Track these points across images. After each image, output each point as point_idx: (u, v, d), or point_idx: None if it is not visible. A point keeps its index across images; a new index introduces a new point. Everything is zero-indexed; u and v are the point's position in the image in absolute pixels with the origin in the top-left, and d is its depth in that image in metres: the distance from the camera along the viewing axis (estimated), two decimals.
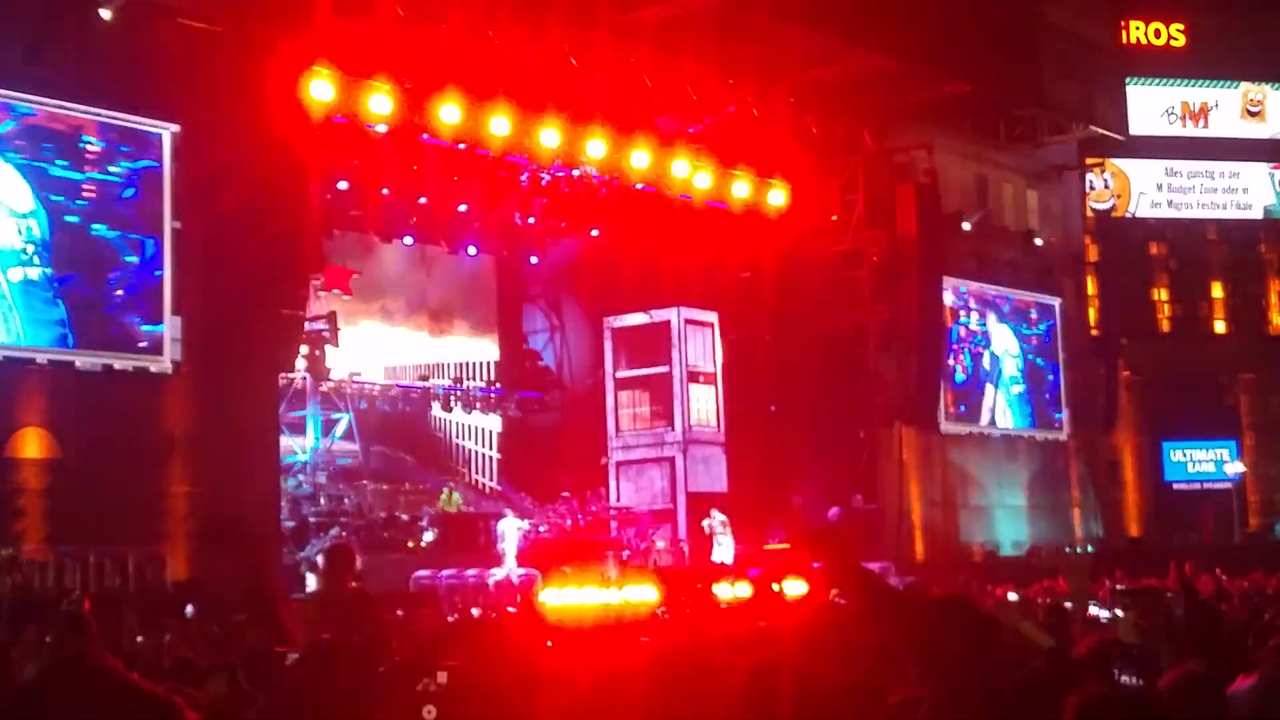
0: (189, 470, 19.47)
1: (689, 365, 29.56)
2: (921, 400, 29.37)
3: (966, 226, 31.42)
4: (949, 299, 30.93)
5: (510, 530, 24.34)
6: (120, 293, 19.36)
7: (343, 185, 24.93)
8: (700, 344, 30.00)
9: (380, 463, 28.60)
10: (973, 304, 32.17)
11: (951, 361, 31.10)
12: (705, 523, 26.79)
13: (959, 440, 31.20)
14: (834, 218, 29.74)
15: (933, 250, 29.21)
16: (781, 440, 29.57)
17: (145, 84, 19.15)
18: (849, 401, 29.56)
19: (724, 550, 26.35)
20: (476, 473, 30.88)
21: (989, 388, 32.39)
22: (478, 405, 30.73)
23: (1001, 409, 32.61)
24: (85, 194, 19.01)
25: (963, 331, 31.75)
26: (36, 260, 18.51)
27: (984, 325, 32.46)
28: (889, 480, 29.34)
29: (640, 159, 25.75)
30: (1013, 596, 19.89)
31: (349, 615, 11.42)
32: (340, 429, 27.66)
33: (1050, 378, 33.98)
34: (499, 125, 23.45)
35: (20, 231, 18.37)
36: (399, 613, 17.41)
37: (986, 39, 28.36)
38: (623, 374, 30.26)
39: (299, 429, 26.10)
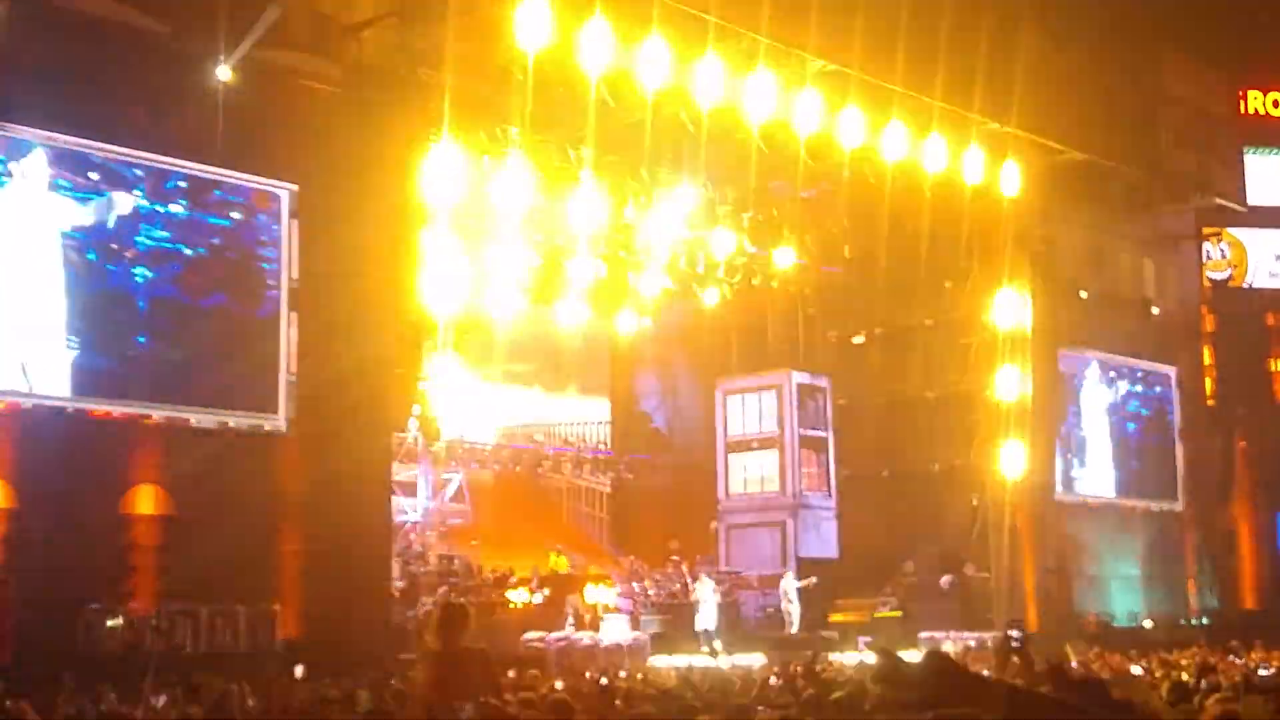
0: (301, 528, 18.93)
1: (801, 429, 28.87)
2: (1035, 468, 28.38)
3: (1083, 295, 30.41)
4: (1065, 367, 29.88)
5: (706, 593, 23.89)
6: (237, 350, 18.92)
7: (458, 246, 24.46)
8: (812, 408, 29.34)
9: (490, 523, 27.97)
10: (1090, 373, 31.12)
11: (1067, 430, 30.00)
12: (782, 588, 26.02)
13: (1073, 509, 30.09)
14: (948, 284, 28.91)
15: (1049, 317, 28.39)
16: (893, 506, 28.66)
17: (265, 144, 18.83)
18: (962, 468, 28.64)
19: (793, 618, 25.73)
20: (586, 534, 30.18)
21: (1103, 457, 31.27)
22: (589, 467, 30.10)
23: (1117, 479, 31.46)
24: (204, 253, 18.62)
25: (1079, 400, 30.67)
26: (156, 318, 18.12)
27: (1100, 395, 31.38)
28: (1001, 548, 28.26)
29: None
30: (1136, 670, 18.86)
31: (464, 674, 10.70)
32: (451, 489, 27.13)
33: (1167, 448, 32.81)
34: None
35: (139, 289, 18.01)
36: (510, 674, 16.68)
37: (1106, 108, 27.62)
38: (734, 437, 29.63)
39: (410, 488, 25.59)
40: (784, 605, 26.03)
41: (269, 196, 19.01)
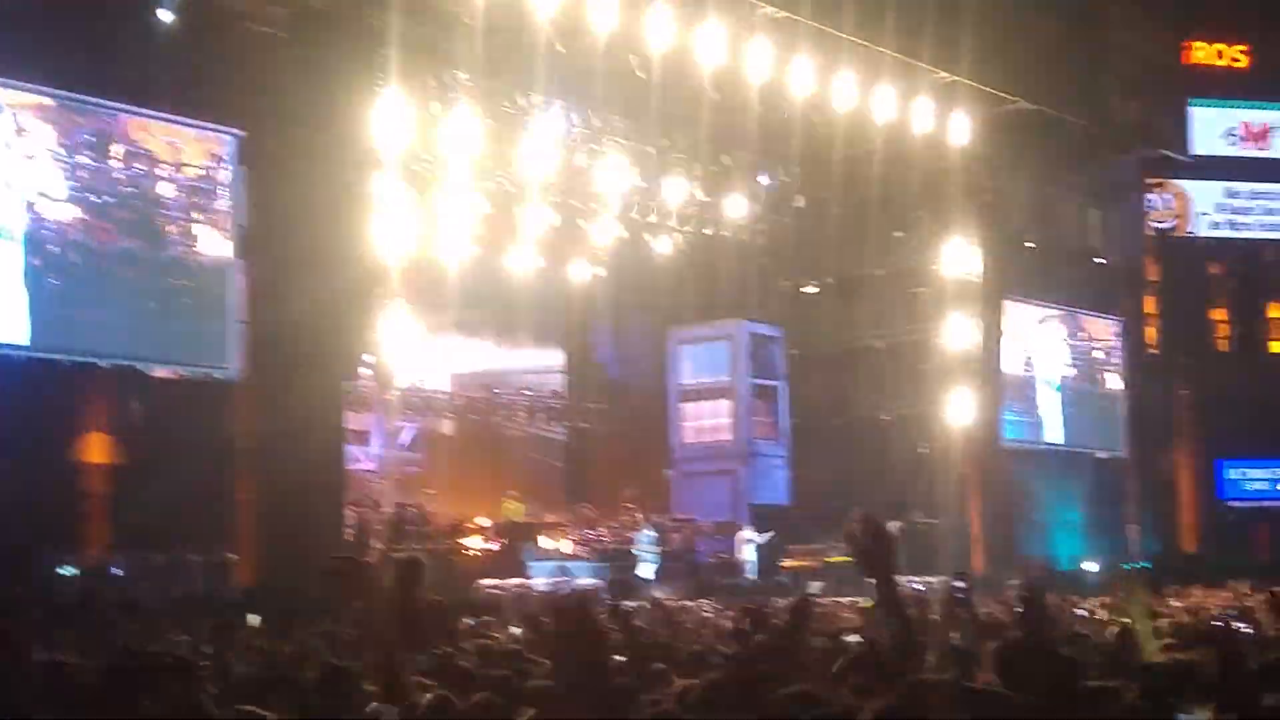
0: (254, 476, 18.73)
1: (753, 378, 28.90)
2: (981, 415, 28.56)
3: (1030, 245, 30.53)
4: (1012, 316, 29.99)
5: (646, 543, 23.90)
6: (187, 299, 18.63)
7: (408, 193, 24.20)
8: (764, 357, 29.38)
9: (444, 471, 27.81)
10: (1036, 322, 31.28)
11: (1011, 377, 30.15)
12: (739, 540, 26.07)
13: (1018, 456, 30.30)
14: (898, 234, 28.97)
15: (995, 268, 28.53)
16: (843, 455, 28.75)
17: (211, 89, 18.44)
18: (910, 416, 28.78)
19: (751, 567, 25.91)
20: (540, 482, 30.07)
21: (1049, 405, 31.49)
22: (542, 416, 29.97)
23: (1061, 426, 31.70)
24: (151, 199, 18.29)
25: (1024, 348, 30.84)
26: (102, 265, 17.80)
27: (1045, 343, 31.56)
28: (948, 495, 28.46)
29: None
30: (1082, 613, 19.01)
31: (420, 625, 10.59)
32: (405, 437, 26.95)
33: (1110, 396, 33.06)
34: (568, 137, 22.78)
35: (83, 236, 17.68)
36: (469, 622, 16.60)
37: (1053, 59, 27.59)
38: (687, 386, 29.62)
39: (364, 437, 25.40)
40: (739, 554, 26.01)
41: (216, 142, 18.67)
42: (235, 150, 18.71)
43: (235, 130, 18.69)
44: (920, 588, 24.12)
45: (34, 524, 16.77)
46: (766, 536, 26.15)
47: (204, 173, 18.71)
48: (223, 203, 18.78)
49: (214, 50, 18.43)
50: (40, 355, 17.45)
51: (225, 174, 18.73)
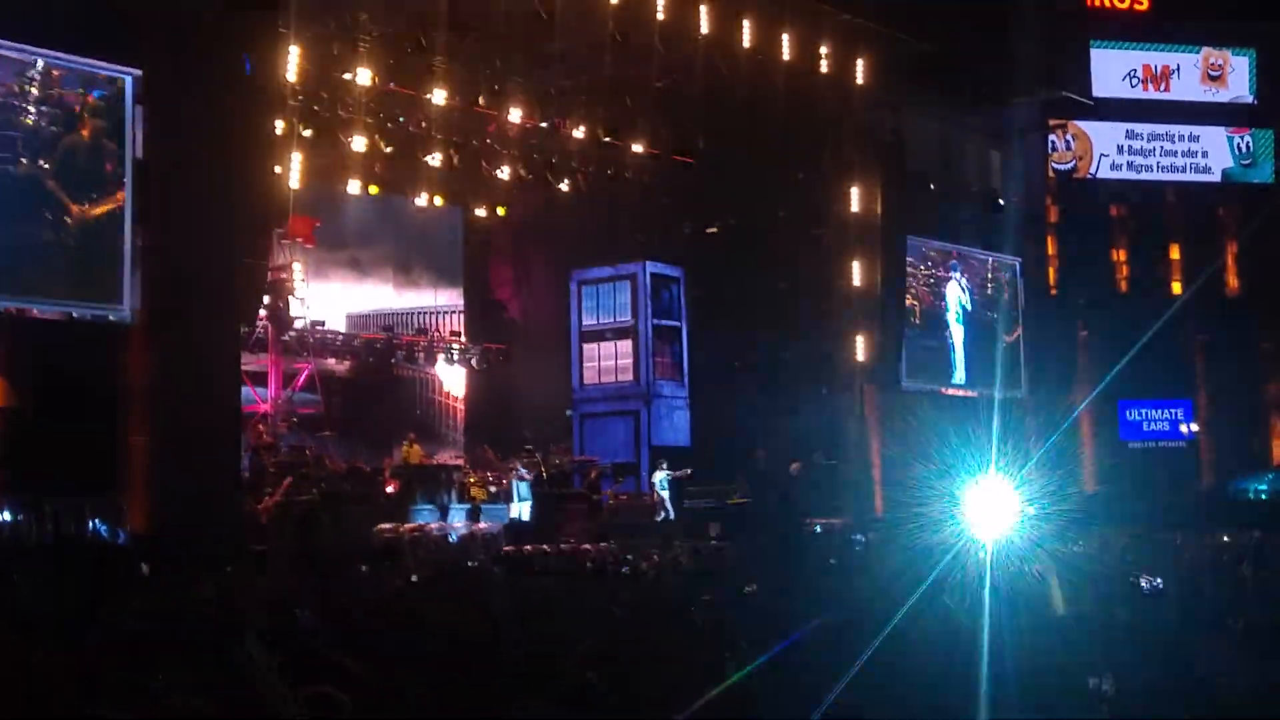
0: (148, 420, 18.77)
1: (655, 319, 29.20)
2: (883, 358, 29.07)
3: (932, 187, 30.97)
4: (913, 257, 30.50)
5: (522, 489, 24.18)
6: (79, 240, 18.59)
7: (307, 133, 24.31)
8: (666, 298, 29.67)
9: (342, 413, 27.98)
10: (935, 263, 31.76)
11: (913, 319, 30.68)
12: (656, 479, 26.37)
13: (919, 398, 30.83)
14: (800, 175, 29.35)
15: (896, 208, 28.98)
16: (745, 396, 29.21)
17: (107, 26, 18.31)
18: (812, 359, 29.26)
19: (668, 508, 26.13)
20: (440, 424, 30.32)
21: (950, 346, 32.03)
22: (442, 357, 30.17)
23: (961, 367, 32.27)
24: (44, 138, 18.20)
25: (925, 289, 31.33)
26: None
27: (946, 284, 32.06)
28: (850, 437, 29.00)
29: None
30: None
31: (314, 577, 10.93)
32: (302, 379, 27.05)
33: (1010, 337, 33.65)
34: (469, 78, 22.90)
35: None
36: (363, 568, 16.86)
37: (954, 1, 27.95)
38: (588, 327, 29.87)
39: (261, 379, 25.48)
40: (656, 495, 26.37)
41: (111, 81, 18.57)
42: (132, 89, 18.63)
43: (132, 70, 18.61)
44: (818, 529, 24.89)
45: None
46: (683, 472, 26.35)
47: (100, 111, 18.57)
48: (118, 142, 18.67)
49: None
50: None
51: (120, 113, 18.62)
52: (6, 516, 17.38)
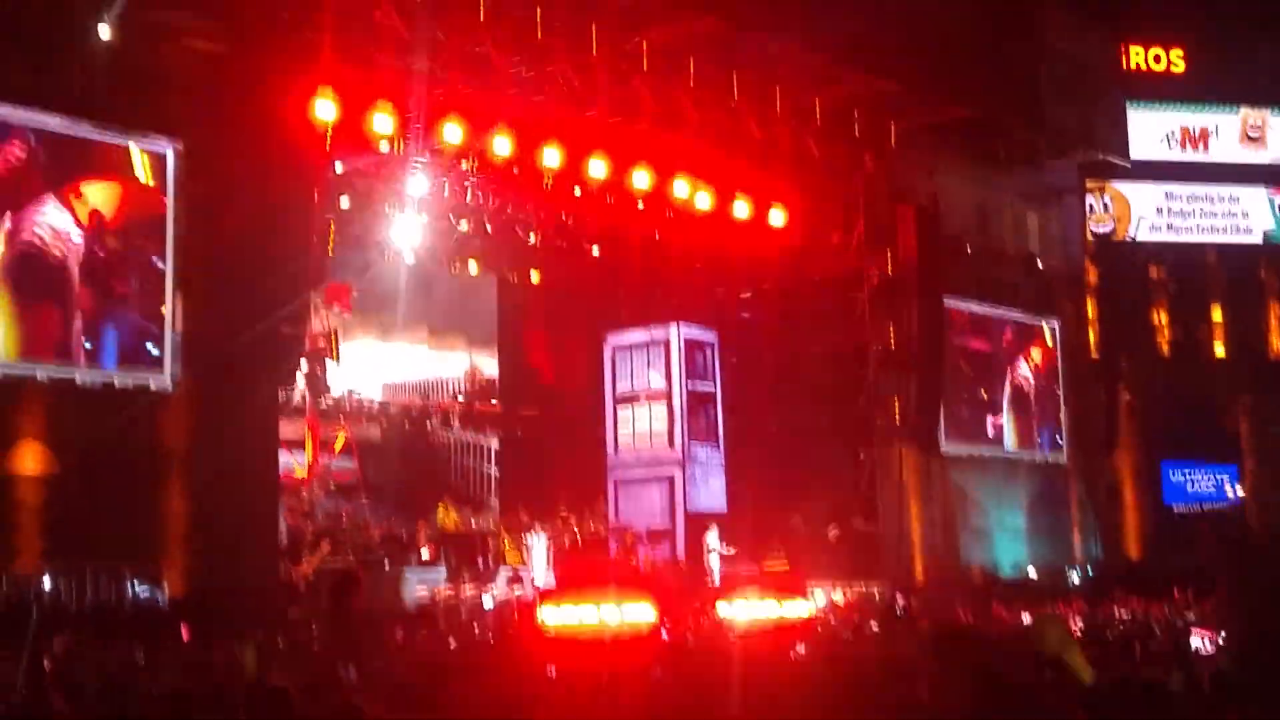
0: (187, 486, 19.38)
1: (689, 384, 29.54)
2: (921, 421, 29.32)
3: (969, 250, 31.33)
4: (951, 320, 30.84)
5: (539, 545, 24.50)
6: (121, 309, 19.29)
7: (344, 202, 25.10)
8: (700, 362, 30.00)
9: (378, 479, 28.51)
10: (973, 326, 32.08)
11: (952, 382, 30.95)
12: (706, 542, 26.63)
13: (959, 461, 31.08)
14: (835, 239, 29.82)
15: (933, 271, 29.29)
16: (781, 460, 29.51)
17: (147, 102, 19.14)
18: (849, 422, 29.56)
19: (713, 573, 26.35)
20: (475, 489, 30.79)
21: (990, 410, 32.29)
22: (476, 422, 30.66)
23: (1002, 431, 32.52)
24: (88, 211, 18.93)
25: (963, 353, 31.64)
26: (38, 276, 18.42)
27: (986, 348, 32.38)
28: (889, 501, 29.25)
29: (641, 179, 25.79)
30: (1026, 619, 19.77)
31: (354, 637, 11.41)
32: (338, 445, 27.60)
33: (1050, 400, 33.90)
34: (501, 146, 23.55)
35: (23, 245, 18.30)
36: (398, 634, 17.35)
37: (987, 62, 28.43)
38: (622, 391, 30.24)
39: (298, 445, 26.05)
40: (705, 559, 26.54)
41: (153, 155, 19.34)
42: (173, 162, 19.39)
43: (173, 143, 19.38)
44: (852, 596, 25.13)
45: None
46: (728, 550, 26.64)
47: (142, 184, 19.33)
48: (160, 213, 19.41)
49: (153, 65, 19.15)
50: None
51: (162, 186, 19.37)
52: (48, 582, 17.89)
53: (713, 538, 26.58)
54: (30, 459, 18.29)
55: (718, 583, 25.82)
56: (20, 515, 18.13)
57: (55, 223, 18.62)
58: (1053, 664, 9.86)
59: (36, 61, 18.26)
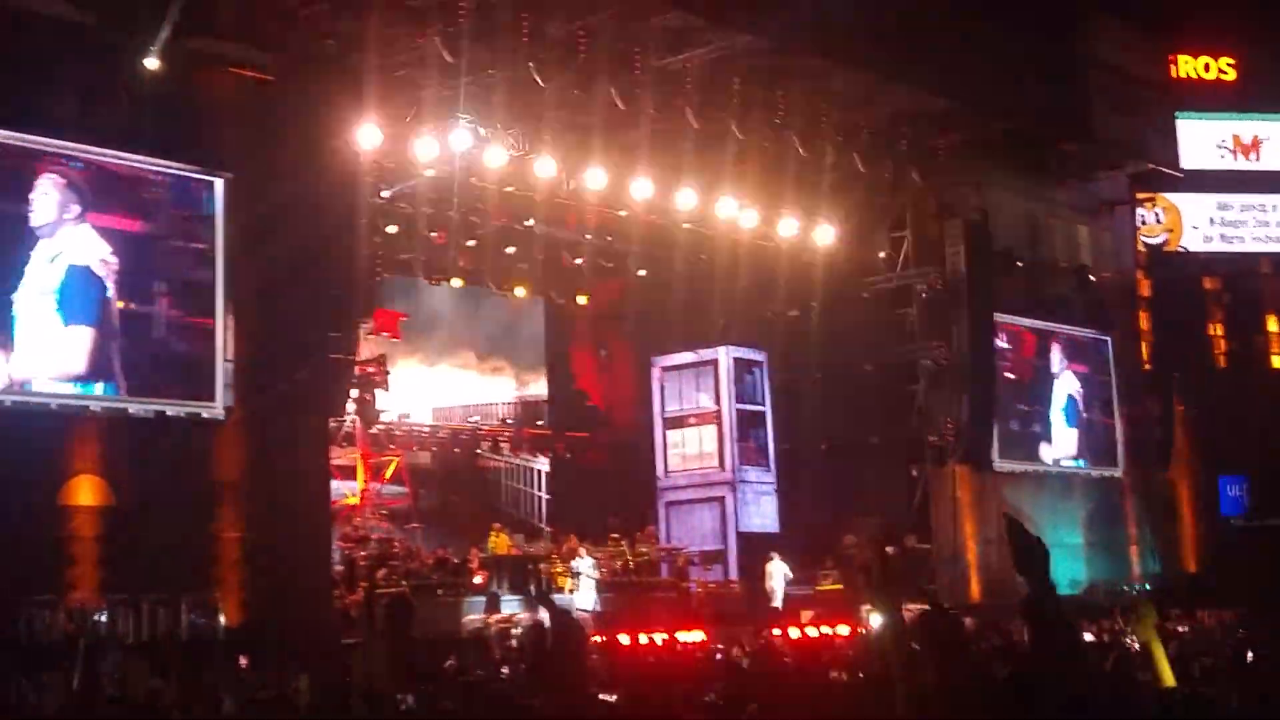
0: (241, 515, 19.59)
1: (738, 404, 29.61)
2: (974, 438, 29.28)
3: (1019, 264, 31.28)
4: (1001, 335, 30.81)
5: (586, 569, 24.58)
6: (173, 340, 19.55)
7: (391, 229, 25.37)
8: (749, 383, 30.06)
9: (429, 505, 28.72)
10: (1025, 340, 32.01)
11: (1004, 398, 30.88)
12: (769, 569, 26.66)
13: (1013, 478, 30.98)
14: (882, 255, 29.89)
15: (984, 286, 29.29)
16: (833, 479, 29.54)
17: (196, 133, 19.44)
18: (900, 440, 29.57)
19: (776, 597, 26.31)
20: (525, 514, 30.95)
21: (1043, 424, 32.18)
22: (526, 446, 30.83)
23: (1056, 446, 32.40)
24: (138, 243, 19.23)
25: (1015, 368, 31.56)
26: (90, 308, 18.70)
27: (1037, 362, 32.28)
28: (942, 519, 29.22)
29: (686, 199, 25.94)
30: (1088, 638, 19.69)
31: (409, 664, 11.54)
32: (389, 472, 27.82)
33: (1105, 414, 33.74)
34: (545, 168, 23.76)
35: (73, 279, 18.59)
36: (451, 661, 17.44)
37: (1036, 75, 28.45)
38: (671, 413, 30.34)
39: (349, 473, 26.27)
40: (768, 584, 26.51)
41: (202, 185, 19.62)
42: (222, 193, 19.66)
43: (221, 174, 19.66)
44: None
45: (21, 568, 17.57)
46: (789, 580, 26.61)
47: (191, 216, 19.61)
48: (209, 244, 19.68)
49: (199, 95, 19.46)
50: (27, 398, 18.26)
51: (211, 217, 19.65)
52: (105, 613, 18.09)
53: (777, 566, 26.57)
54: (87, 491, 18.52)
55: (780, 605, 25.88)
56: (77, 547, 18.34)
57: (105, 251, 18.86)
58: (1140, 653, 9.81)
59: (85, 93, 18.55)
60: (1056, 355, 32.82)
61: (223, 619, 19.05)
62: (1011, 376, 31.33)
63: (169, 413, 19.47)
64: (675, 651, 19.99)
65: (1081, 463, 33.07)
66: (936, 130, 27.63)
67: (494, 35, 20.95)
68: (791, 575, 26.58)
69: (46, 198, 18.43)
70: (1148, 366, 35.58)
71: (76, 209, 18.63)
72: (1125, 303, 34.99)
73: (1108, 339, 34.02)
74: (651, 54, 22.88)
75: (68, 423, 18.60)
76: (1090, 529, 32.82)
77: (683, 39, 22.91)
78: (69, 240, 18.60)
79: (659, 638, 20.82)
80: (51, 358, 18.45)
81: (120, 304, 18.96)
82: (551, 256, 28.91)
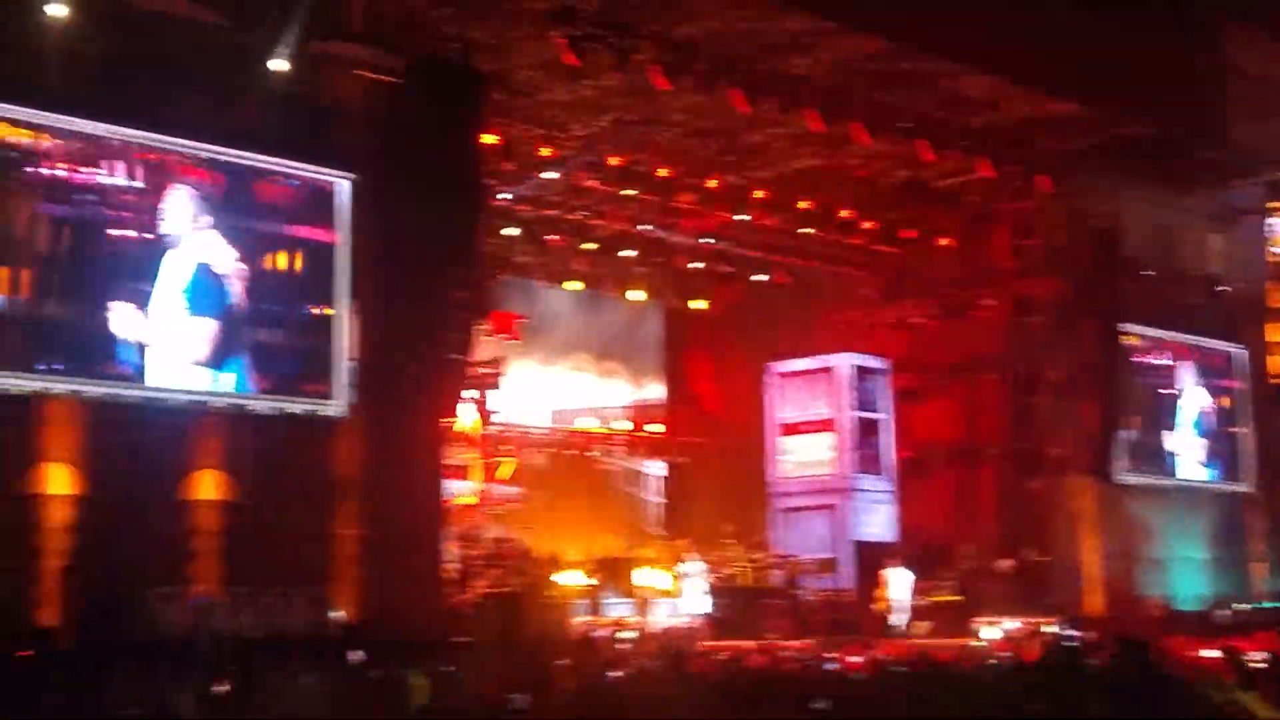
0: (357, 512, 19.89)
1: (856, 412, 29.54)
2: (1097, 449, 28.94)
3: (1147, 273, 30.83)
4: (1128, 345, 30.38)
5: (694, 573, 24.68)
6: (295, 338, 19.91)
7: (510, 231, 25.66)
8: (867, 390, 29.99)
9: (543, 506, 28.96)
10: (1153, 351, 31.53)
11: (1129, 409, 30.46)
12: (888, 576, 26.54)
13: (1136, 491, 30.56)
14: (1008, 263, 29.64)
15: (1111, 295, 28.95)
16: (951, 489, 29.36)
17: (321, 134, 19.78)
18: (1021, 450, 29.31)
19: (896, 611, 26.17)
20: (639, 517, 31.11)
21: (1168, 437, 31.69)
22: (641, 450, 30.97)
23: (1182, 458, 31.90)
24: (263, 241, 19.61)
25: (1142, 378, 31.11)
26: (216, 306, 19.11)
27: (1165, 373, 31.79)
28: (1062, 531, 28.91)
29: (805, 203, 25.95)
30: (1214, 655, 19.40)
31: (520, 662, 11.71)
32: (504, 473, 28.09)
33: (1233, 427, 33.17)
34: (664, 171, 23.92)
35: (199, 278, 19.00)
36: (564, 662, 17.59)
37: (1168, 80, 28.03)
38: (786, 419, 30.34)
39: (464, 473, 26.57)
40: (888, 592, 26.38)
41: (329, 187, 19.95)
42: (348, 194, 19.99)
43: (348, 175, 19.99)
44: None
45: (144, 561, 17.99)
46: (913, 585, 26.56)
47: (317, 216, 19.96)
48: (334, 244, 20.02)
49: (325, 97, 19.82)
50: (151, 394, 18.71)
51: (337, 217, 19.97)
52: (224, 607, 18.46)
53: (897, 574, 26.45)
54: (208, 485, 18.92)
55: (902, 620, 25.78)
56: (197, 541, 18.71)
57: (232, 250, 19.26)
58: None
59: (212, 96, 18.92)
60: (1185, 366, 32.32)
61: (338, 614, 19.37)
62: (1138, 387, 30.90)
63: (289, 409, 19.82)
64: (786, 658, 19.98)
65: (1212, 475, 32.52)
66: (1066, 135, 27.31)
67: (616, 38, 21.06)
68: (913, 583, 26.41)
69: (178, 201, 18.84)
70: (1276, 380, 34.90)
71: (206, 215, 19.04)
72: (1255, 314, 34.36)
73: (1238, 350, 33.43)
74: (774, 57, 22.88)
75: (191, 419, 18.99)
76: (1215, 544, 32.27)
77: (806, 42, 22.86)
78: (198, 240, 19.00)
79: (770, 644, 20.82)
80: (178, 350, 18.85)
81: (246, 302, 19.33)
82: (668, 260, 29.04)
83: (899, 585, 26.32)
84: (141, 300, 18.40)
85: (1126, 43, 26.82)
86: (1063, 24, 25.19)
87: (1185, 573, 31.30)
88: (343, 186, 19.97)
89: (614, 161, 24.05)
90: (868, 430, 30.01)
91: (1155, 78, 27.41)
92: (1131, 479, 30.32)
